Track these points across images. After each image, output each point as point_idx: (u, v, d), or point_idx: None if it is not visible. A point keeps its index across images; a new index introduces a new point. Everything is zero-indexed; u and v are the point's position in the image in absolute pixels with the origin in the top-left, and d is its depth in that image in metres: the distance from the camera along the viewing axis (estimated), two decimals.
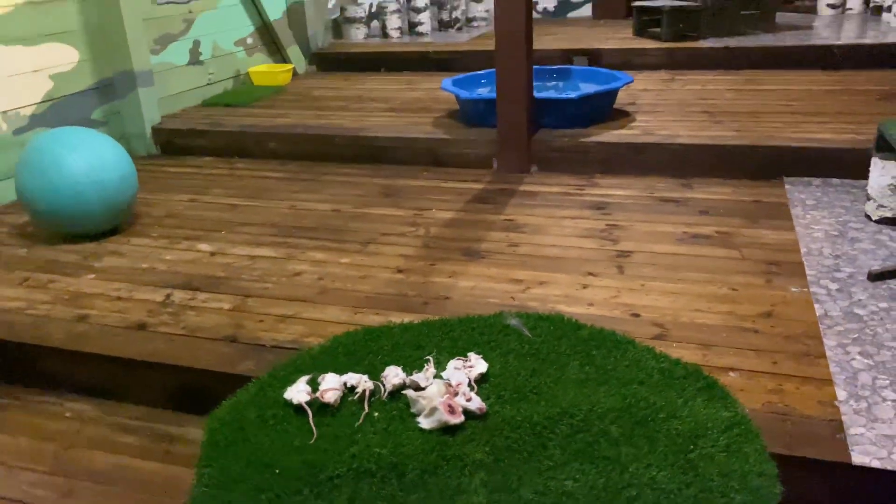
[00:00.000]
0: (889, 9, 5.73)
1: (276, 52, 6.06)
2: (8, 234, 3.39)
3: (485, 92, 4.51)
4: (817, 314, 2.22)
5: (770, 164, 3.46)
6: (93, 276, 2.87)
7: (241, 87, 5.61)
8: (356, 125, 4.41)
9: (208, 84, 5.31)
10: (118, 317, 2.50)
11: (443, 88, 4.42)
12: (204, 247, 3.10)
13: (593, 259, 2.75)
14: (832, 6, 6.57)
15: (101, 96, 4.39)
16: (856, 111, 3.99)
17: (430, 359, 1.41)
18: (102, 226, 3.22)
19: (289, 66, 5.86)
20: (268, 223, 3.34)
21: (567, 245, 2.90)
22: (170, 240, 3.20)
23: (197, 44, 5.18)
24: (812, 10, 6.70)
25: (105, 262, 3.01)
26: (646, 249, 2.80)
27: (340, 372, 1.37)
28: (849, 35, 5.52)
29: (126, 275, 2.86)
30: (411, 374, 1.37)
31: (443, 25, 7.16)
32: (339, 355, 1.45)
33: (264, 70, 5.72)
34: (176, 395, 2.22)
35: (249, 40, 5.78)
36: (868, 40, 5.19)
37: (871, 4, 6.33)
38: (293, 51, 6.12)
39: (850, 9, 6.52)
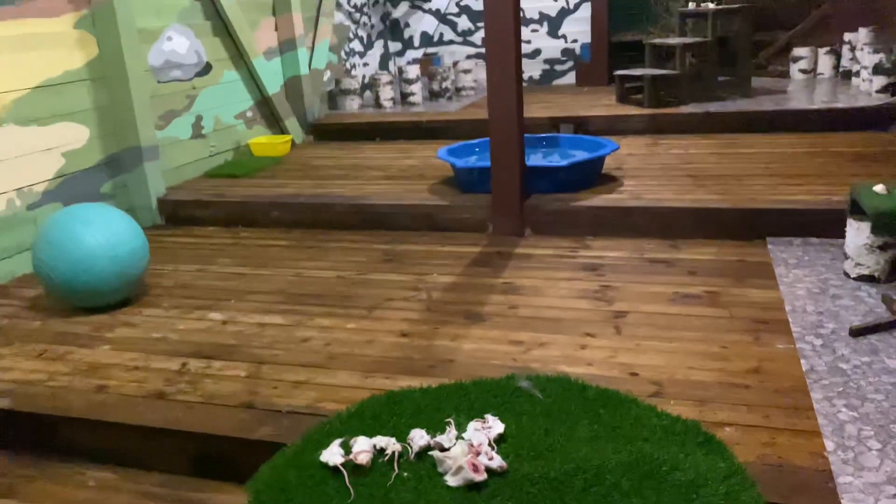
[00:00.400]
0: (857, 74, 6.06)
1: (275, 123, 6.30)
2: (22, 306, 3.49)
3: (477, 160, 4.71)
4: (804, 369, 2.36)
5: (753, 225, 3.65)
6: (108, 346, 2.97)
7: (241, 158, 5.81)
8: (355, 193, 4.59)
9: (210, 156, 5.51)
10: (136, 386, 2.60)
11: (438, 157, 4.63)
12: (215, 315, 3.21)
13: (590, 320, 2.89)
14: (804, 71, 6.92)
15: (110, 171, 4.55)
16: (831, 172, 4.21)
17: (451, 421, 1.52)
18: (115, 297, 3.33)
19: (287, 138, 6.08)
20: (275, 291, 3.47)
21: (564, 306, 3.04)
22: (181, 309, 3.32)
23: (199, 118, 5.39)
24: (785, 74, 7.06)
25: (119, 332, 3.11)
26: (639, 310, 2.94)
27: (369, 435, 1.48)
28: (821, 99, 5.83)
29: (140, 345, 2.96)
30: (435, 436, 1.48)
31: (433, 95, 7.46)
32: (367, 419, 1.56)
33: (264, 141, 5.94)
34: (197, 462, 2.30)
35: (249, 113, 6.01)
36: (840, 104, 5.49)
37: (841, 69, 6.68)
38: (291, 122, 6.36)
39: (822, 73, 6.87)
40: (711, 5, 6.28)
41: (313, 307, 3.23)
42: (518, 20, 3.87)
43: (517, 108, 3.91)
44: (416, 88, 7.29)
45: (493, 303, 3.13)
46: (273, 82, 6.17)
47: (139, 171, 4.63)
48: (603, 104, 6.39)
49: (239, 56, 5.81)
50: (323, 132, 6.65)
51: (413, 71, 7.30)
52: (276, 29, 6.30)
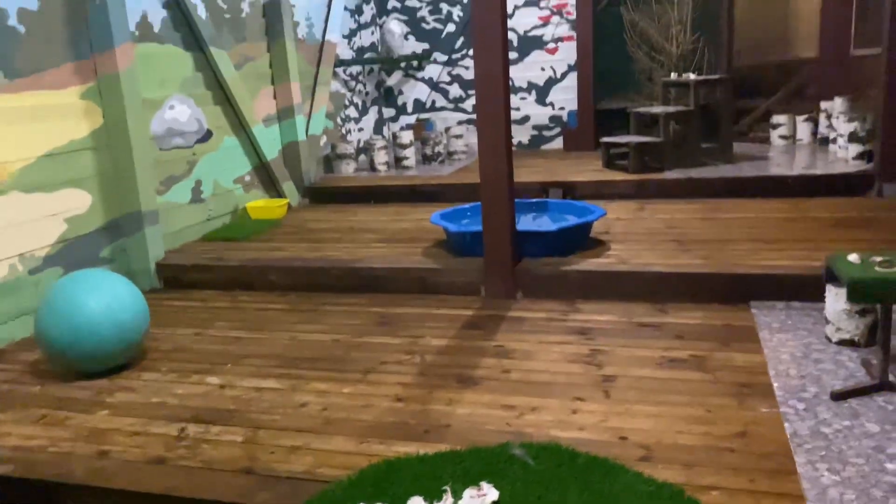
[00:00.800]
0: (834, 140, 6.30)
1: (272, 187, 6.45)
2: (21, 371, 3.54)
3: (469, 223, 4.85)
4: (787, 433, 2.43)
5: (737, 290, 3.77)
6: (107, 412, 3.02)
7: (239, 221, 5.93)
8: (350, 256, 4.70)
9: (208, 220, 5.63)
10: (137, 451, 2.64)
11: (432, 222, 4.76)
12: (213, 380, 3.27)
13: (581, 384, 2.96)
14: (784, 137, 7.18)
15: (110, 235, 4.66)
16: (811, 238, 4.36)
17: (448, 489, 1.59)
18: (115, 362, 3.39)
19: (284, 201, 6.22)
20: (271, 355, 3.53)
21: (555, 370, 3.12)
22: (179, 374, 3.37)
23: (199, 183, 5.54)
24: (766, 140, 7.31)
25: (118, 397, 3.16)
26: (629, 373, 3.03)
27: (370, 502, 1.54)
28: (800, 165, 6.04)
29: (140, 410, 3.01)
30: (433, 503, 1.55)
31: (426, 159, 7.66)
32: (367, 486, 1.63)
33: (261, 205, 6.07)
34: None
35: (247, 178, 6.17)
36: (818, 171, 5.70)
37: (819, 136, 6.93)
38: (288, 186, 6.52)
39: (801, 139, 7.12)
40: (693, 76, 6.55)
41: (309, 371, 3.29)
42: (507, 89, 4.04)
43: (507, 174, 4.06)
44: (409, 153, 7.50)
45: (486, 366, 3.21)
46: (271, 148, 6.35)
47: (139, 236, 4.74)
48: (590, 169, 6.59)
49: (238, 123, 5.99)
50: (319, 195, 6.80)
51: (406, 136, 7.53)
52: (275, 97, 6.52)
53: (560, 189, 6.14)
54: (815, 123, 7.02)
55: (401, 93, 8.79)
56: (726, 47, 7.41)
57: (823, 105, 6.87)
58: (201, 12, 5.50)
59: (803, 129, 7.09)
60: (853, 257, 2.77)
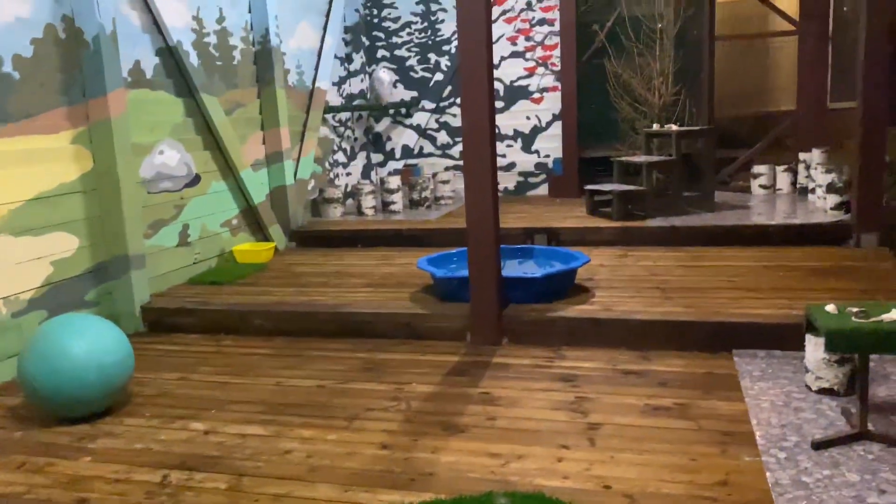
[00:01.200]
0: (813, 191, 6.44)
1: (259, 231, 6.48)
2: (2, 416, 3.50)
3: (456, 268, 4.89)
4: (769, 482, 2.46)
5: (719, 338, 3.82)
6: (89, 458, 2.99)
7: (225, 265, 5.94)
8: (337, 301, 4.72)
9: (195, 263, 5.64)
10: (118, 500, 2.61)
11: (418, 267, 4.80)
12: (196, 426, 3.25)
13: (565, 431, 2.98)
14: (764, 187, 7.33)
15: (96, 279, 4.65)
16: (790, 287, 4.44)
17: None
18: (99, 407, 3.36)
19: (271, 245, 6.25)
20: (256, 400, 3.52)
21: (541, 418, 3.13)
22: (162, 419, 3.35)
23: (186, 227, 5.56)
24: (747, 189, 7.45)
25: (100, 443, 3.13)
26: (613, 421, 3.04)
27: None
28: (780, 215, 6.17)
29: (122, 456, 2.98)
30: None
31: (413, 204, 7.74)
32: None
33: (248, 248, 6.09)
34: None
35: (234, 221, 6.20)
36: (797, 220, 5.82)
37: (798, 186, 7.08)
38: (275, 229, 6.55)
39: (780, 189, 7.27)
40: (675, 127, 6.71)
41: (294, 417, 3.28)
42: (493, 138, 4.12)
43: (493, 221, 4.12)
44: (396, 197, 7.58)
45: (471, 413, 3.21)
46: (259, 192, 6.40)
47: (125, 280, 4.74)
48: (574, 216, 6.68)
49: (227, 168, 6.05)
50: (306, 239, 6.84)
51: (394, 181, 7.61)
52: (264, 142, 6.60)
53: (545, 235, 6.22)
54: (795, 174, 7.18)
55: (389, 139, 8.92)
56: (707, 99, 7.60)
57: (802, 156, 7.04)
58: (193, 60, 5.60)
59: (783, 179, 7.25)
60: (831, 308, 2.83)
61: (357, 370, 3.86)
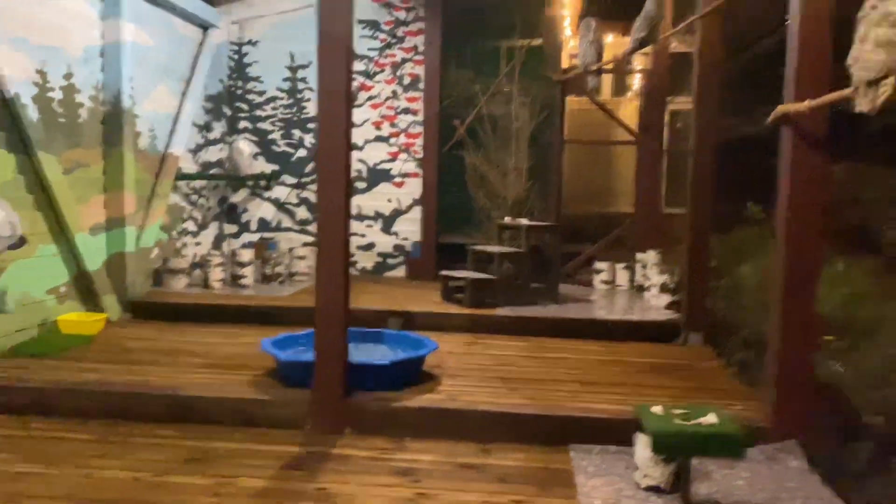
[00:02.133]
0: (648, 289, 6.90)
1: (91, 300, 5.99)
2: None
3: (304, 351, 4.72)
4: None
5: (557, 432, 3.89)
6: None
7: (48, 336, 5.40)
8: (167, 382, 4.39)
9: (17, 331, 5.10)
10: None
11: (263, 349, 4.59)
12: None
13: None
14: (605, 282, 7.77)
15: None
16: (625, 382, 4.65)
17: None
18: None
19: (101, 316, 5.77)
20: (60, 495, 3.14)
21: None
22: None
23: (4, 293, 5.03)
24: (590, 283, 7.87)
25: None
26: None
27: None
28: (619, 310, 6.54)
29: None
30: None
31: (266, 279, 7.50)
32: None
33: (74, 319, 5.59)
34: None
35: (63, 289, 5.70)
36: (634, 317, 6.18)
37: (636, 284, 7.57)
38: (109, 299, 6.08)
39: (620, 285, 7.74)
40: (525, 221, 7.02)
41: None
42: (348, 219, 4.07)
43: (343, 303, 4.03)
44: (248, 271, 7.32)
45: None
46: (95, 258, 5.95)
47: None
48: (429, 300, 6.73)
49: (60, 230, 5.60)
50: (144, 311, 6.39)
51: (247, 254, 7.37)
52: (106, 206, 6.20)
53: (399, 318, 6.19)
54: (633, 272, 7.68)
55: (245, 210, 8.68)
56: (556, 196, 8.07)
57: (639, 256, 7.56)
58: (32, 114, 5.22)
59: (622, 276, 7.73)
60: (657, 409, 2.97)
61: (180, 461, 3.56)
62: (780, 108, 3.31)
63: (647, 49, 7.06)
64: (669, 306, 6.28)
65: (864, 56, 2.07)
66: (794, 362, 3.74)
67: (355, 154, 8.43)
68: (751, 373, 4.79)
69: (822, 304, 3.86)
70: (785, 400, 3.77)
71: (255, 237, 8.59)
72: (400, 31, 8.43)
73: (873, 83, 2.04)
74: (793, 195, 3.69)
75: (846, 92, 2.22)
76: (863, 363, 3.56)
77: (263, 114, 8.64)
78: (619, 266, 7.75)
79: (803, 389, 3.74)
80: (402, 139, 8.50)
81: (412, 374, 4.52)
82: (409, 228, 8.51)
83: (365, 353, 4.82)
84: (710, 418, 2.82)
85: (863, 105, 2.09)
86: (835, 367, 3.67)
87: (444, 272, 6.83)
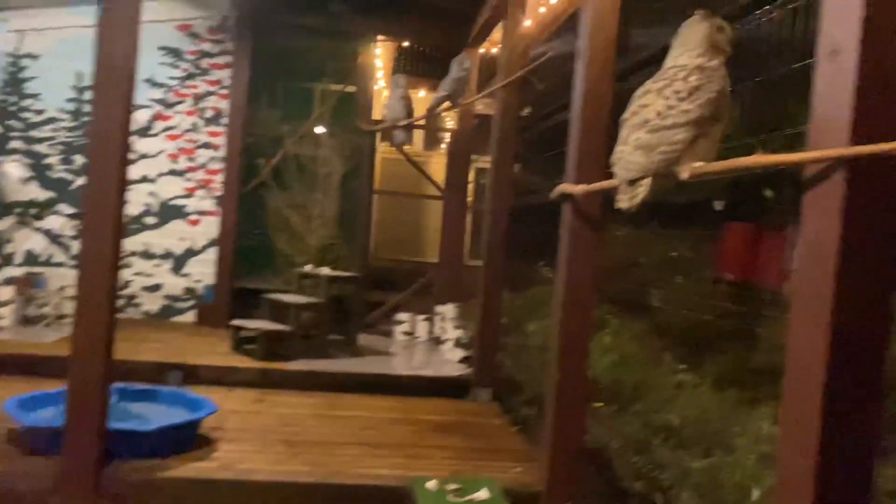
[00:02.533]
0: (445, 342, 6.98)
1: None
2: None
3: (58, 413, 4.14)
4: None
5: (336, 502, 3.71)
6: None
7: None
8: None
9: None
10: None
11: (4, 409, 3.97)
12: None
13: None
14: (406, 333, 7.76)
15: None
16: (412, 443, 4.58)
17: None
18: None
19: None
20: None
21: None
22: None
23: None
24: (389, 334, 7.82)
25: None
26: None
27: None
28: (415, 364, 6.53)
29: None
30: None
31: (28, 321, 6.64)
32: None
33: None
34: None
35: None
36: (429, 371, 6.19)
37: (434, 336, 7.64)
38: None
39: (420, 337, 7.76)
40: (327, 270, 6.85)
41: None
42: (117, 253, 3.58)
43: (104, 357, 3.56)
44: (5, 311, 6.43)
45: None
46: None
47: None
48: (217, 351, 6.29)
49: None
50: None
51: (6, 291, 6.49)
52: None
53: (181, 372, 5.71)
54: (432, 323, 7.75)
55: (10, 241, 7.67)
56: (363, 245, 7.99)
57: (439, 308, 7.64)
58: None
59: (422, 328, 7.76)
60: (431, 484, 2.91)
61: None
62: (560, 188, 3.48)
63: (454, 109, 7.27)
64: (462, 360, 6.38)
65: (625, 157, 2.19)
66: (567, 426, 3.87)
67: (146, 187, 7.82)
68: (533, 431, 4.94)
69: (593, 369, 4.05)
70: (559, 464, 3.87)
71: (19, 272, 7.58)
72: (205, 63, 8.01)
73: (633, 182, 2.16)
74: (569, 263, 3.86)
75: (615, 182, 2.33)
76: (626, 428, 3.76)
77: (41, 135, 7.75)
78: (420, 317, 7.79)
79: (575, 454, 3.87)
80: (201, 174, 8.00)
81: (185, 439, 4.12)
82: (203, 270, 7.96)
83: (132, 417, 4.35)
84: (483, 494, 2.80)
85: (622, 202, 2.21)
86: (602, 432, 3.85)
87: (235, 322, 6.43)
